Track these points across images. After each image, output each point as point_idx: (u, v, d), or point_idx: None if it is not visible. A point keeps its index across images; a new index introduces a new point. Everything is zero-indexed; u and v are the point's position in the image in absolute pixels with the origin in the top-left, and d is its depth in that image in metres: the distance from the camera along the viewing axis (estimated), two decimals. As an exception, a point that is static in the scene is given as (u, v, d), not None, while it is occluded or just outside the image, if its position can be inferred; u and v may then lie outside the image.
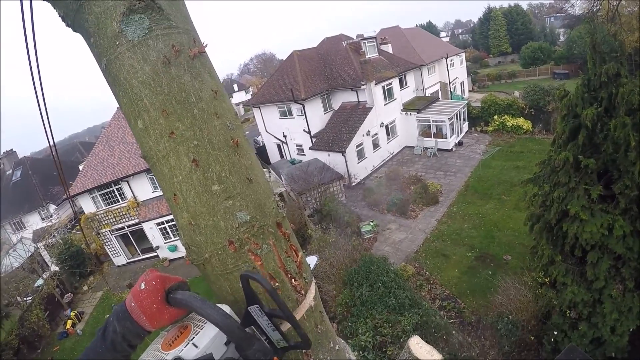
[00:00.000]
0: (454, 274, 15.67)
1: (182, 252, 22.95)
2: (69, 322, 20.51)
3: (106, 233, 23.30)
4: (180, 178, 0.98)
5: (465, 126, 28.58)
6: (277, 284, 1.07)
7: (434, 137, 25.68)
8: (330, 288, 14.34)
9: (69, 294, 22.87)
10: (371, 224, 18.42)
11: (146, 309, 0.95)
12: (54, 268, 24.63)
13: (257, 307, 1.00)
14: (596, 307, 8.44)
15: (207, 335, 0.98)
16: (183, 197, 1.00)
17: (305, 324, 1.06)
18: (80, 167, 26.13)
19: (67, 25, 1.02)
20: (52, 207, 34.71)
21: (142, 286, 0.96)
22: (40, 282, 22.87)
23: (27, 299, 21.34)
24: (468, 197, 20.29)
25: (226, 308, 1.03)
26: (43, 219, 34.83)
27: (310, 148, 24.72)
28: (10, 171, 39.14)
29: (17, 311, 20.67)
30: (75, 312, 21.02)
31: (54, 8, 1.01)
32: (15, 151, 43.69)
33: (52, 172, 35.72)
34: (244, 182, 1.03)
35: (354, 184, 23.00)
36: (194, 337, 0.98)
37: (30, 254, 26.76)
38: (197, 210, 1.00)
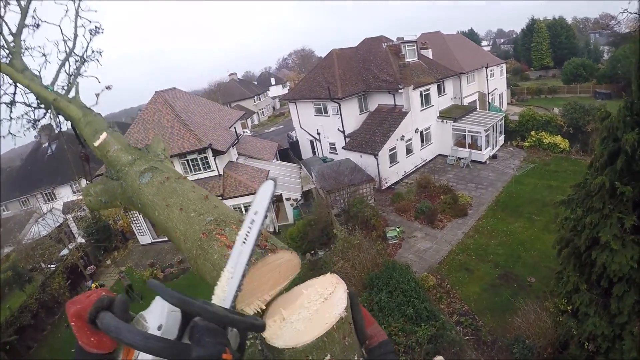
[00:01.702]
0: (475, 289, 15.54)
1: None
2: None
3: (135, 212, 24.30)
4: (175, 220, 1.64)
5: (501, 139, 28.11)
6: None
7: (468, 148, 25.42)
8: (350, 289, 14.59)
9: (92, 266, 23.79)
10: (397, 229, 18.55)
11: (89, 344, 0.91)
12: (80, 240, 25.81)
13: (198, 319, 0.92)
14: (615, 343, 8.24)
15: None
16: (179, 229, 1.60)
17: (333, 336, 1.12)
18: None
19: (113, 179, 2.20)
20: (83, 182, 36.50)
21: (72, 324, 0.91)
22: (65, 251, 23.72)
23: (51, 266, 22.23)
24: (498, 212, 20.05)
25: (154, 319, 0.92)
26: (74, 192, 36.69)
27: (343, 147, 24.96)
28: (46, 144, 41.22)
29: (40, 277, 21.71)
30: (97, 284, 21.63)
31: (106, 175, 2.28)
32: (52, 125, 45.86)
33: (87, 149, 37.33)
34: (211, 208, 1.62)
35: (384, 187, 23.09)
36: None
37: (58, 224, 28.10)
38: (185, 230, 1.56)
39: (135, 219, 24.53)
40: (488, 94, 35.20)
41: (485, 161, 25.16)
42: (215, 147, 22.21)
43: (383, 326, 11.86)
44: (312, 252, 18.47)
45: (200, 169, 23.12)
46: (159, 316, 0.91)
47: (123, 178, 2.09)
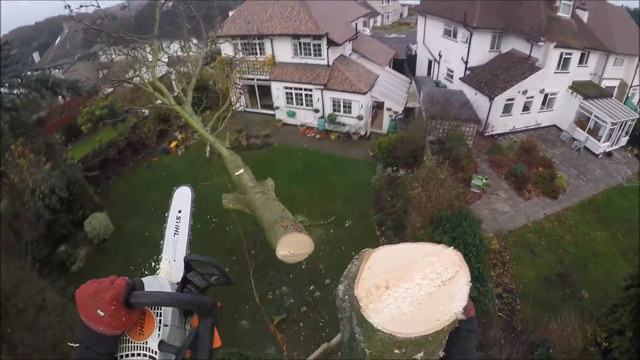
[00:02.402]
0: (530, 274, 15.09)
1: (298, 120, 23.69)
2: (174, 142, 22.50)
3: (235, 79, 24.29)
4: (265, 215, 3.38)
5: (624, 140, 24.92)
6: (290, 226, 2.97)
7: (587, 132, 22.82)
8: (417, 219, 14.23)
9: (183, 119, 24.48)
10: (484, 180, 17.65)
11: (118, 326, 1.05)
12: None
13: (193, 272, 1.29)
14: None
15: (168, 312, 1.16)
16: (265, 219, 3.33)
17: (439, 336, 0.98)
18: (230, 13, 26.43)
19: (241, 194, 4.26)
20: (194, 40, 36.39)
21: (101, 313, 1.02)
22: (160, 101, 24.44)
23: (145, 111, 23.01)
24: (587, 212, 18.47)
25: (164, 282, 1.26)
26: (182, 48, 36.55)
27: (460, 78, 23.08)
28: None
29: (133, 119, 23.08)
30: (183, 135, 22.83)
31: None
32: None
33: (200, 11, 36.85)
34: (281, 211, 3.34)
35: (486, 134, 21.72)
36: (160, 319, 1.14)
37: (161, 74, 28.54)
38: (268, 219, 3.25)
39: (234, 85, 24.59)
40: (630, 86, 30.57)
41: (599, 154, 22.68)
42: (331, 38, 21.30)
43: None
44: (394, 168, 18.04)
45: (310, 55, 22.54)
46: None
47: (247, 194, 3.91)
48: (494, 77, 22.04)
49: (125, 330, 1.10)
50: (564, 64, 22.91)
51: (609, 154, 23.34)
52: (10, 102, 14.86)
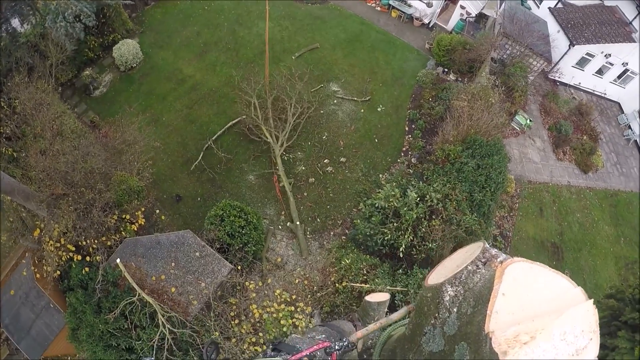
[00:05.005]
0: (529, 231, 14.98)
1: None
2: None
3: None
4: None
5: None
6: None
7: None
8: (451, 132, 12.92)
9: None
10: (528, 121, 16.07)
11: None
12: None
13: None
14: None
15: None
16: None
17: None
18: None
19: None
20: None
21: None
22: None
23: None
24: (606, 202, 17.38)
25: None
26: None
27: (549, 8, 20.12)
28: None
29: None
30: None
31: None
32: None
33: None
34: None
35: (550, 76, 19.62)
36: None
37: None
38: None
39: None
40: None
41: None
42: None
43: (447, 186, 11.31)
44: (446, 70, 16.16)
45: None
46: None
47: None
48: (584, 24, 19.30)
49: None
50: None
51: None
52: None
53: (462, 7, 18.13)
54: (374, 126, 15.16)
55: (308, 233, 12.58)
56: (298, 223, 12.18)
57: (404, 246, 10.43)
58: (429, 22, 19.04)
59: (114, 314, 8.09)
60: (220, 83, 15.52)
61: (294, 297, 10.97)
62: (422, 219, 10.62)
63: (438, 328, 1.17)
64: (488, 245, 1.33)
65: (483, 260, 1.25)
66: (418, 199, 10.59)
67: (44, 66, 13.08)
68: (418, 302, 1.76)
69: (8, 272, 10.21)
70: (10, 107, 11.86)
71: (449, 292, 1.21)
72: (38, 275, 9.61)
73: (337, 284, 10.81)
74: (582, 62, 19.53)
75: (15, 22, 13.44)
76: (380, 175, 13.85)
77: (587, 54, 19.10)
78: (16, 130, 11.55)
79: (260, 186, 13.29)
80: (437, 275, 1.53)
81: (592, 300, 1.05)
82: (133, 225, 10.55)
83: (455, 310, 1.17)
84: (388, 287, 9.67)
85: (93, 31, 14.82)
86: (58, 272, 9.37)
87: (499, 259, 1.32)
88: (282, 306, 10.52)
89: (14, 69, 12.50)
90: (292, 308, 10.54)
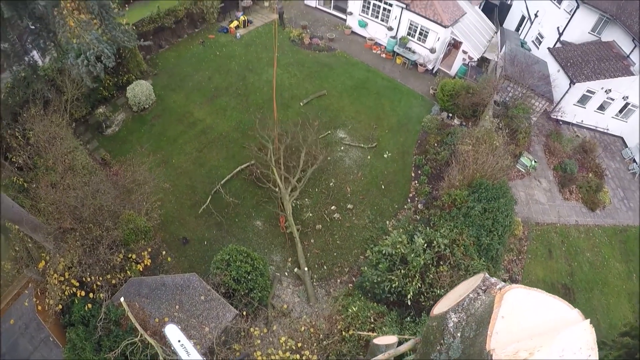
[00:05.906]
0: (539, 273, 14.85)
1: (368, 32, 21.60)
2: (235, 22, 20.68)
3: None
4: None
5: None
6: None
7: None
8: (457, 177, 13.10)
9: (249, 0, 22.72)
10: (533, 162, 16.16)
11: None
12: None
13: None
14: None
15: None
16: None
17: None
18: None
19: None
20: None
21: None
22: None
23: None
24: (615, 239, 17.21)
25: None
26: None
27: (548, 48, 20.63)
28: None
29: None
30: (245, 18, 21.07)
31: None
32: None
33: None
34: None
35: (552, 116, 19.87)
36: None
37: None
38: None
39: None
40: None
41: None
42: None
43: (454, 231, 11.27)
44: (450, 115, 16.48)
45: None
46: None
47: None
48: (583, 62, 19.69)
49: None
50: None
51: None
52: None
53: (464, 52, 18.60)
54: (380, 172, 15.33)
55: (315, 280, 12.58)
56: (306, 269, 12.20)
57: (411, 293, 10.34)
58: (433, 68, 19.57)
59: (115, 353, 8.01)
60: (230, 128, 15.92)
61: (299, 344, 10.83)
62: (430, 265, 10.58)
63: (444, 354, 1.23)
64: (488, 275, 1.41)
65: (483, 288, 1.33)
66: (425, 245, 10.61)
67: (59, 101, 13.42)
68: (424, 332, 1.84)
69: (9, 301, 10.13)
70: (24, 137, 12.11)
71: (452, 319, 1.28)
72: (39, 307, 9.61)
73: (343, 332, 10.71)
74: (583, 100, 19.81)
75: (36, 55, 13.83)
76: (387, 222, 13.93)
77: (588, 90, 19.42)
78: (28, 161, 11.76)
79: (267, 232, 13.35)
80: (441, 306, 1.62)
81: (589, 320, 1.12)
82: (139, 265, 10.60)
83: (459, 335, 1.22)
84: (397, 335, 9.59)
85: (109, 71, 15.14)
86: (60, 306, 9.37)
87: (498, 286, 1.42)
88: (287, 354, 10.43)
89: (31, 101, 12.73)
90: (298, 356, 10.42)
